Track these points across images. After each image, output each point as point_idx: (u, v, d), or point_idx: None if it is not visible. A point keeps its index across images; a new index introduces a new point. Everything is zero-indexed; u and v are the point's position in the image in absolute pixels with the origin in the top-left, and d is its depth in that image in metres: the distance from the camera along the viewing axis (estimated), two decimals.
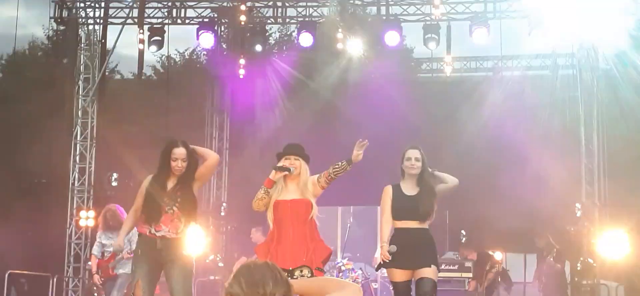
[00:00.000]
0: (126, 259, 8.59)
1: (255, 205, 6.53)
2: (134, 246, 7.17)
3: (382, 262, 6.92)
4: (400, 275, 6.83)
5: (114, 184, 13.82)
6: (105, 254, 9.52)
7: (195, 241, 7.60)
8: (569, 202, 13.60)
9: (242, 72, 15.47)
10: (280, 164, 6.42)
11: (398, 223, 6.89)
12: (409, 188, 6.92)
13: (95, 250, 9.76)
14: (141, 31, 14.15)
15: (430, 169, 6.94)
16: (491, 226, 13.95)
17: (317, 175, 6.56)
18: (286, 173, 6.39)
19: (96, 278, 9.58)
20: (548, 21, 12.81)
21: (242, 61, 15.39)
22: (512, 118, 14.01)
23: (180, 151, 6.62)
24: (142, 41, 14.00)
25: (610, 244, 12.97)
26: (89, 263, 13.16)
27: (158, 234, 6.60)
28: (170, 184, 6.69)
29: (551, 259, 12.20)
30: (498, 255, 13.18)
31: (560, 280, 12.23)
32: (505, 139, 13.91)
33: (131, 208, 6.90)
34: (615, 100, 15.12)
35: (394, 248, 6.75)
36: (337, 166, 6.57)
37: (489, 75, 16.17)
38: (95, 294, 12.11)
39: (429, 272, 6.77)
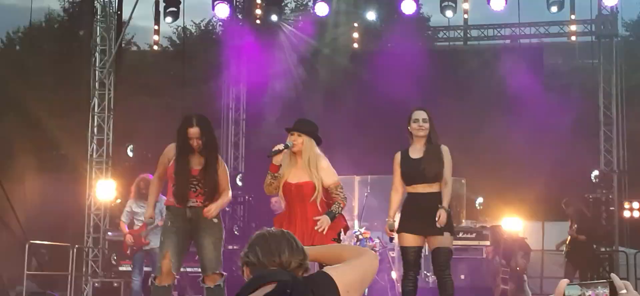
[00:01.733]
0: (160, 227, 8.66)
1: (266, 190, 6.50)
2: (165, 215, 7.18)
3: (390, 238, 6.95)
4: (410, 240, 6.78)
5: (131, 154, 13.89)
6: (136, 222, 9.63)
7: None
8: (587, 170, 13.55)
9: (258, 42, 15.46)
10: (276, 147, 6.26)
11: (408, 188, 6.86)
12: (416, 151, 6.84)
13: (124, 216, 9.92)
14: (157, 2, 14.17)
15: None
16: (509, 194, 13.92)
17: (343, 192, 6.38)
18: (282, 151, 6.24)
19: (129, 237, 9.71)
20: None
21: (257, 31, 15.37)
22: (530, 86, 13.92)
23: (193, 131, 6.58)
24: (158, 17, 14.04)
25: (628, 211, 12.96)
26: (109, 233, 13.36)
27: (187, 204, 6.66)
28: (195, 161, 6.70)
29: (575, 227, 12.16)
30: (516, 223, 13.17)
31: (583, 250, 12.18)
32: (522, 107, 13.83)
33: (154, 176, 6.99)
34: (635, 67, 15.00)
35: (393, 224, 6.78)
36: (336, 207, 6.31)
37: (506, 43, 16.05)
38: (114, 261, 12.29)
39: (443, 240, 6.71)
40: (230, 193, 6.89)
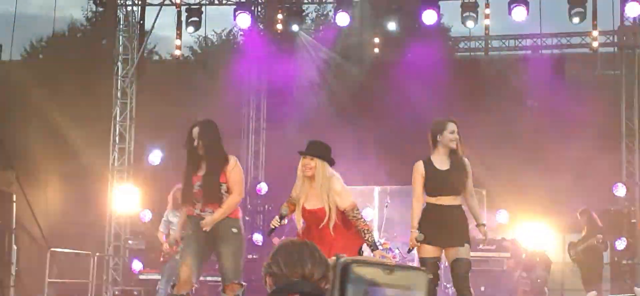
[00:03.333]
0: None
1: None
2: None
3: (410, 248, 6.91)
4: (430, 251, 6.74)
5: (153, 163, 13.95)
6: (172, 231, 9.70)
7: None
8: (610, 182, 13.44)
9: (278, 51, 15.50)
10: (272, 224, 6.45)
11: (430, 198, 6.80)
12: (441, 162, 6.80)
13: (162, 227, 9.99)
14: (179, 10, 14.25)
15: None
16: (530, 205, 13.84)
17: (358, 213, 6.42)
18: (280, 222, 6.43)
19: (165, 246, 9.77)
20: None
21: (278, 42, 15.41)
22: (551, 97, 13.85)
23: (194, 131, 6.63)
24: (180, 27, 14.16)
25: None
26: (130, 241, 13.42)
27: (204, 214, 6.66)
28: (202, 167, 6.73)
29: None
30: (537, 235, 13.09)
31: (595, 258, 12.09)
32: (544, 118, 13.77)
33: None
34: None
35: (421, 236, 6.68)
36: (365, 234, 6.40)
37: (528, 53, 15.97)
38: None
39: (462, 252, 6.69)
40: (238, 197, 6.76)
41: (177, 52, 15.91)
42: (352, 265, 2.31)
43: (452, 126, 6.81)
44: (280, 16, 14.68)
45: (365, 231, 6.40)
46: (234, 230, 6.68)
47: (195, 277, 6.71)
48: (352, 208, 6.36)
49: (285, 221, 6.48)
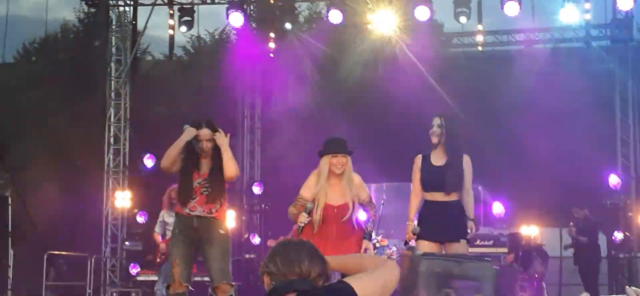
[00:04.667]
0: None
1: (292, 219, 6.64)
2: None
3: (406, 241, 6.95)
4: (428, 247, 6.71)
5: (148, 164, 13.95)
6: (167, 232, 9.70)
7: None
8: (605, 175, 13.48)
9: (272, 50, 15.50)
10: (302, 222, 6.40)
11: (426, 195, 6.83)
12: (438, 158, 6.82)
13: (158, 228, 10.00)
14: (171, 11, 14.25)
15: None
16: (526, 201, 13.88)
17: (368, 196, 6.60)
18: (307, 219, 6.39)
19: (162, 246, 9.78)
20: None
21: (272, 40, 15.41)
22: (545, 91, 13.88)
23: (204, 132, 6.62)
24: (172, 27, 14.14)
25: None
26: (126, 243, 13.42)
27: (193, 213, 6.64)
28: (204, 165, 6.73)
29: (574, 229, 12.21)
30: (534, 230, 13.16)
31: (591, 254, 12.17)
32: (538, 112, 13.80)
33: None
34: None
35: (417, 229, 6.73)
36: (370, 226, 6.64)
37: (521, 48, 15.99)
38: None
39: (459, 247, 6.70)
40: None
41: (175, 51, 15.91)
42: (424, 258, 2.37)
43: (435, 121, 6.83)
44: (273, 15, 14.69)
45: (372, 222, 6.63)
46: (222, 231, 6.68)
47: (185, 278, 6.65)
48: (369, 198, 6.62)
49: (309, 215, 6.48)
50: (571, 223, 12.19)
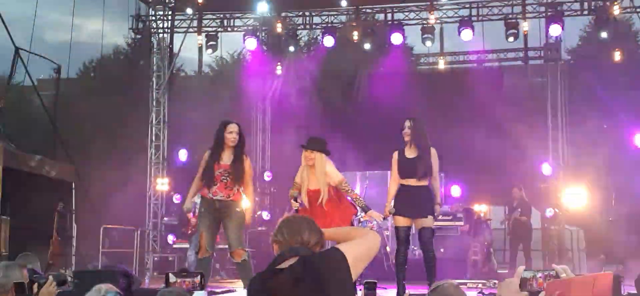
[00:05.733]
0: None
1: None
2: None
3: (385, 216, 6.94)
4: (402, 221, 6.82)
5: (182, 157, 13.96)
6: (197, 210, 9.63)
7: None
8: (539, 165, 13.50)
9: (279, 68, 15.52)
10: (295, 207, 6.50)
11: (402, 180, 6.86)
12: (410, 152, 6.84)
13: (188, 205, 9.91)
14: (200, 37, 14.26)
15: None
16: (478, 184, 13.90)
17: (347, 185, 6.48)
18: (298, 205, 6.44)
19: (193, 220, 9.73)
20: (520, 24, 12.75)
21: (278, 60, 15.43)
22: (493, 99, 13.89)
23: (233, 126, 6.68)
24: (201, 50, 14.17)
25: (572, 197, 12.91)
26: (165, 218, 13.36)
27: (215, 198, 6.66)
28: (225, 156, 6.71)
29: (519, 211, 12.13)
30: (483, 207, 13.16)
31: (525, 228, 12.15)
32: (487, 116, 13.84)
33: (196, 176, 6.96)
34: (574, 83, 15.00)
35: (393, 209, 6.78)
36: (357, 201, 6.55)
37: (474, 66, 15.99)
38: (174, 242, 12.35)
39: (427, 222, 6.77)
40: (252, 188, 6.91)
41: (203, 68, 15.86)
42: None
43: (406, 123, 6.91)
44: (279, 40, 14.70)
45: (356, 199, 6.52)
46: (238, 210, 6.72)
47: (210, 245, 6.72)
48: (340, 182, 6.45)
49: (299, 202, 6.49)
50: (519, 210, 12.09)
